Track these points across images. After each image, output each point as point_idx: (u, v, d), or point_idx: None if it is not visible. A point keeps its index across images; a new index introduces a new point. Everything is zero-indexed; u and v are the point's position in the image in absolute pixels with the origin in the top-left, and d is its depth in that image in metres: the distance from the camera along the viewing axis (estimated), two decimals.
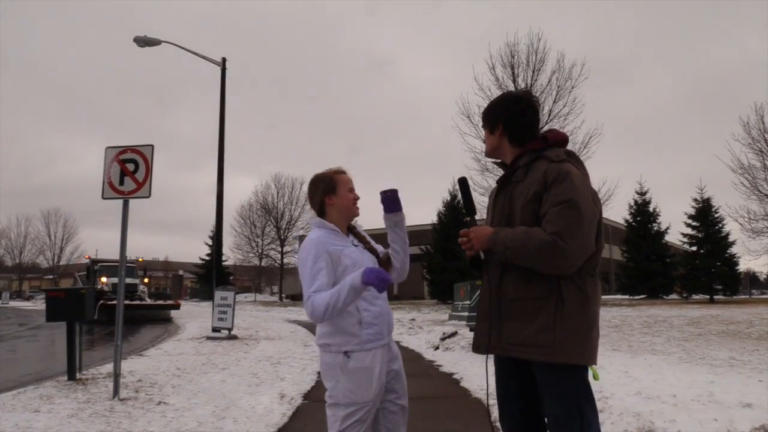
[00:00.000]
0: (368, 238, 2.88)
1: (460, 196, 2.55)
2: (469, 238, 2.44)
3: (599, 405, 4.91)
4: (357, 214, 2.83)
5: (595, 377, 2.37)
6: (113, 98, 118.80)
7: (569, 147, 2.55)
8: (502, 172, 2.66)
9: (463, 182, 2.61)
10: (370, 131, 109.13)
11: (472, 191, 2.70)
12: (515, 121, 2.50)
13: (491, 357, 2.51)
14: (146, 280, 28.19)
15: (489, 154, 2.63)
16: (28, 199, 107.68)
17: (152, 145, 6.59)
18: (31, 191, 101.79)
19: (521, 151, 2.48)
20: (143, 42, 16.33)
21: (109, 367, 7.87)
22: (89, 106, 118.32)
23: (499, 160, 2.62)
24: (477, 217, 2.62)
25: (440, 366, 8.10)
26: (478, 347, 2.49)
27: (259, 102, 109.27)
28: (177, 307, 25.29)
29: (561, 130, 2.59)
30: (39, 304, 42.44)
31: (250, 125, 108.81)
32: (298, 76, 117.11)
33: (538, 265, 2.26)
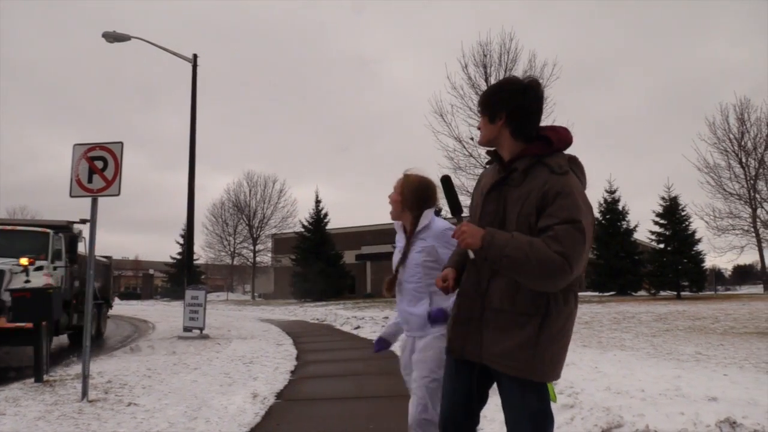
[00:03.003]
0: (414, 244, 3.01)
1: (443, 195, 2.47)
2: (461, 232, 2.19)
3: (570, 400, 4.99)
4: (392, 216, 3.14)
5: (553, 399, 2.33)
6: (89, 96, 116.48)
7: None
8: (484, 166, 2.62)
9: (446, 180, 2.48)
10: (353, 130, 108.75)
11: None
12: (521, 113, 2.28)
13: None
14: (25, 262, 9.59)
15: (485, 143, 2.39)
16: None
17: (122, 143, 6.48)
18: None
19: (521, 150, 2.29)
20: (112, 37, 16.03)
21: (77, 368, 7.73)
22: (61, 102, 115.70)
23: (492, 148, 2.40)
24: (463, 214, 2.42)
25: None
26: (453, 350, 2.40)
27: (241, 101, 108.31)
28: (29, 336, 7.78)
29: (566, 128, 2.36)
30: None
31: (232, 124, 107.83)
32: (281, 74, 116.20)
33: (533, 280, 2.12)
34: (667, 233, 31.57)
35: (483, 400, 2.47)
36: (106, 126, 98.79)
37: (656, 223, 32.07)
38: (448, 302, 2.73)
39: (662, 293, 31.30)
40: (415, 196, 3.01)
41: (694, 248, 31.19)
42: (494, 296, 2.25)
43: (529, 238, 2.10)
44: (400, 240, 3.11)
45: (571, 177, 2.20)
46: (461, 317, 2.36)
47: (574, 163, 2.29)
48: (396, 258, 3.09)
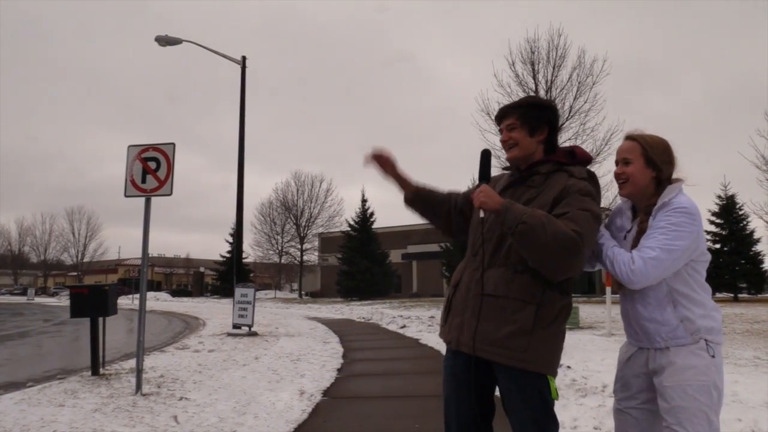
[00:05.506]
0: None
1: (478, 167, 2.38)
2: (480, 191, 2.22)
3: None
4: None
5: (555, 396, 2.24)
6: (143, 98, 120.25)
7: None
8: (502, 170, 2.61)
9: (487, 154, 2.40)
10: (393, 129, 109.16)
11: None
12: (555, 132, 2.42)
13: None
14: None
15: (521, 159, 2.38)
16: (52, 198, 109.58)
17: (174, 144, 6.65)
18: (55, 190, 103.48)
19: (546, 160, 2.39)
20: (164, 41, 16.46)
21: (131, 363, 7.98)
22: (114, 105, 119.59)
23: (509, 165, 2.48)
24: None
25: None
26: (449, 341, 2.39)
27: (290, 101, 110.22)
28: None
29: (587, 151, 2.48)
30: (63, 301, 43.12)
31: (282, 125, 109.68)
32: (329, 75, 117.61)
33: (544, 253, 2.09)
34: (724, 233, 30.59)
35: (491, 409, 2.42)
36: (161, 127, 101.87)
37: (712, 222, 31.10)
38: (697, 309, 2.25)
39: (718, 295, 30.31)
40: (663, 161, 2.36)
41: (753, 248, 30.11)
42: (488, 283, 2.27)
43: (546, 213, 2.15)
44: (625, 221, 2.43)
45: (589, 185, 2.28)
46: (458, 307, 2.37)
47: (592, 177, 2.36)
48: (626, 245, 2.35)
